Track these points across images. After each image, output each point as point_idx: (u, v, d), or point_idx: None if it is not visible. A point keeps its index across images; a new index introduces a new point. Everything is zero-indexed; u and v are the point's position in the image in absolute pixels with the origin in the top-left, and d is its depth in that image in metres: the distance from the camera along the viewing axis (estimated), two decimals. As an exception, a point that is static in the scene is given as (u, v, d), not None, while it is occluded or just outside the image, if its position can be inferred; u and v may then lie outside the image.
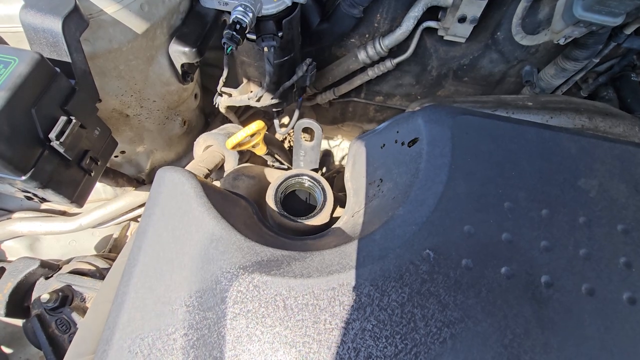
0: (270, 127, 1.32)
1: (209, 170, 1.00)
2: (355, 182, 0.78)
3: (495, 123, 0.69)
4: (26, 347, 1.23)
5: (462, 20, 1.03)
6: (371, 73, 1.27)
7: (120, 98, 0.97)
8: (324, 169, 1.89)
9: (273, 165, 1.24)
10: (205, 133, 1.08)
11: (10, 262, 1.12)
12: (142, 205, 1.31)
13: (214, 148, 1.07)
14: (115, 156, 1.21)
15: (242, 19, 0.82)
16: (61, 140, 0.68)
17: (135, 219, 1.38)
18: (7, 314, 0.99)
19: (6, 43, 0.77)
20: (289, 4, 0.89)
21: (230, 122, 1.36)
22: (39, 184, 0.68)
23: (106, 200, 1.31)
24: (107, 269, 1.03)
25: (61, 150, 0.70)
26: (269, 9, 0.88)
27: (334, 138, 1.88)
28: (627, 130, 0.96)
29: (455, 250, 0.58)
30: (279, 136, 1.38)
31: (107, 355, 0.52)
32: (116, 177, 1.20)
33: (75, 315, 0.93)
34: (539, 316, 0.55)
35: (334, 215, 0.88)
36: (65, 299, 0.95)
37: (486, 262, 0.58)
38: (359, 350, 0.51)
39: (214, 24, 1.00)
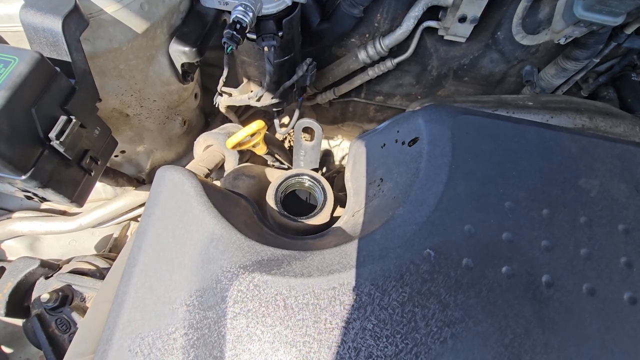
0: (271, 127, 1.32)
1: (209, 169, 1.00)
2: (355, 182, 0.78)
3: (496, 122, 0.69)
4: (26, 347, 1.23)
5: (462, 20, 1.03)
6: (371, 73, 1.26)
7: (120, 98, 0.97)
8: (324, 169, 1.89)
9: (273, 165, 1.24)
10: (205, 133, 1.08)
11: (10, 261, 1.13)
12: (142, 204, 1.31)
13: (214, 148, 1.07)
14: (116, 156, 1.21)
15: (242, 19, 0.82)
16: (61, 139, 0.68)
17: (135, 219, 1.38)
18: (7, 314, 0.99)
19: (6, 42, 0.77)
20: (289, 3, 0.89)
21: (230, 121, 1.36)
22: (39, 183, 0.68)
23: (106, 200, 1.32)
24: (107, 269, 1.03)
25: (61, 149, 0.70)
26: (269, 8, 0.88)
27: (334, 138, 1.88)
28: (627, 130, 0.96)
29: (456, 249, 0.58)
30: (279, 136, 1.38)
31: (107, 355, 0.52)
32: (116, 176, 1.20)
33: (75, 315, 0.93)
34: (539, 316, 0.55)
35: (334, 215, 0.88)
36: (65, 298, 0.95)
37: (487, 262, 0.57)
38: (360, 350, 0.51)
39: (214, 23, 1.00)
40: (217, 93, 1.16)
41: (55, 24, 0.67)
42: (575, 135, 0.70)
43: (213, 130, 1.09)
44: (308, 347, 0.51)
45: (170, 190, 0.62)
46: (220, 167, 1.09)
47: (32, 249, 1.36)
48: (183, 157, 1.43)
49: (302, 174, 0.88)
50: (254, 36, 0.94)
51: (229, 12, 0.85)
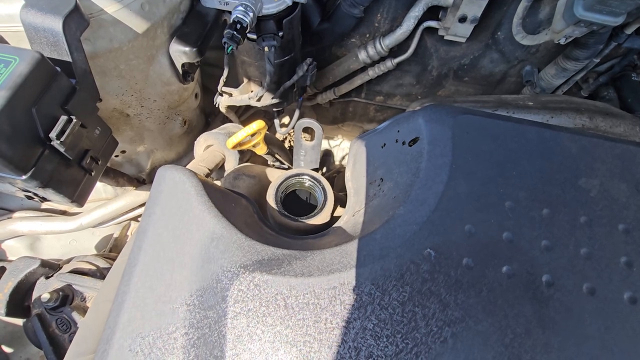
0: (271, 127, 1.32)
1: (209, 169, 1.00)
2: (355, 182, 0.78)
3: (496, 122, 0.69)
4: (26, 347, 1.23)
5: (462, 20, 1.03)
6: (372, 73, 1.27)
7: (120, 97, 0.97)
8: (325, 169, 1.89)
9: (273, 165, 1.24)
10: (205, 132, 1.08)
11: (10, 261, 1.13)
12: (143, 204, 1.31)
13: (215, 147, 1.07)
14: (116, 156, 1.21)
15: (242, 19, 0.82)
16: (62, 139, 0.68)
17: (135, 219, 1.38)
18: (8, 314, 0.99)
19: (7, 42, 0.77)
20: (290, 3, 0.89)
21: (230, 121, 1.36)
22: (40, 183, 0.68)
23: (107, 200, 1.32)
24: (108, 269, 1.03)
25: (62, 149, 0.70)
26: (270, 8, 0.88)
27: (334, 138, 1.88)
28: (627, 130, 0.96)
29: (456, 249, 0.58)
30: (279, 136, 1.38)
31: (108, 355, 0.52)
32: (117, 176, 1.20)
33: (75, 315, 0.93)
34: (539, 316, 0.55)
35: (335, 215, 0.88)
36: (66, 298, 0.95)
37: (487, 262, 0.57)
38: (360, 350, 0.51)
39: (214, 23, 1.00)
40: (217, 93, 1.16)
41: (55, 24, 0.67)
42: (575, 135, 0.70)
43: (213, 130, 1.09)
44: (308, 347, 0.51)
45: (171, 190, 0.63)
46: (220, 167, 1.09)
47: (32, 249, 1.36)
48: (183, 157, 1.43)
49: (303, 174, 0.88)
50: (254, 36, 0.94)
51: (230, 12, 0.85)
